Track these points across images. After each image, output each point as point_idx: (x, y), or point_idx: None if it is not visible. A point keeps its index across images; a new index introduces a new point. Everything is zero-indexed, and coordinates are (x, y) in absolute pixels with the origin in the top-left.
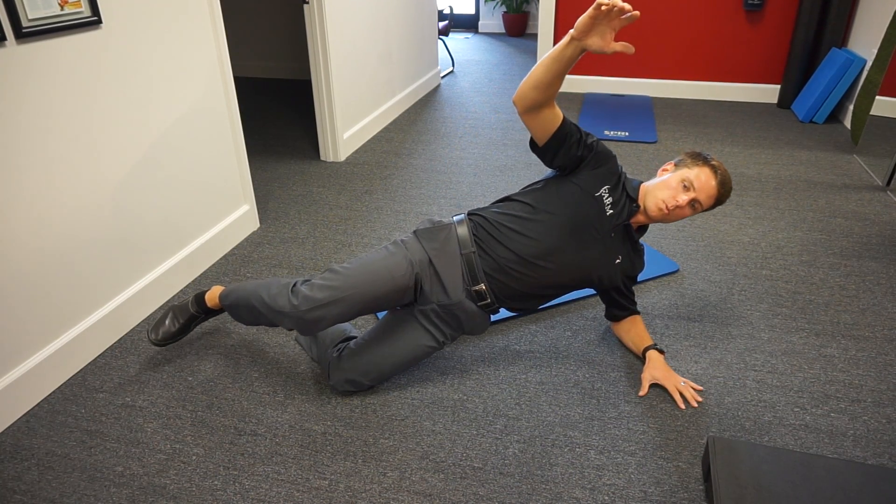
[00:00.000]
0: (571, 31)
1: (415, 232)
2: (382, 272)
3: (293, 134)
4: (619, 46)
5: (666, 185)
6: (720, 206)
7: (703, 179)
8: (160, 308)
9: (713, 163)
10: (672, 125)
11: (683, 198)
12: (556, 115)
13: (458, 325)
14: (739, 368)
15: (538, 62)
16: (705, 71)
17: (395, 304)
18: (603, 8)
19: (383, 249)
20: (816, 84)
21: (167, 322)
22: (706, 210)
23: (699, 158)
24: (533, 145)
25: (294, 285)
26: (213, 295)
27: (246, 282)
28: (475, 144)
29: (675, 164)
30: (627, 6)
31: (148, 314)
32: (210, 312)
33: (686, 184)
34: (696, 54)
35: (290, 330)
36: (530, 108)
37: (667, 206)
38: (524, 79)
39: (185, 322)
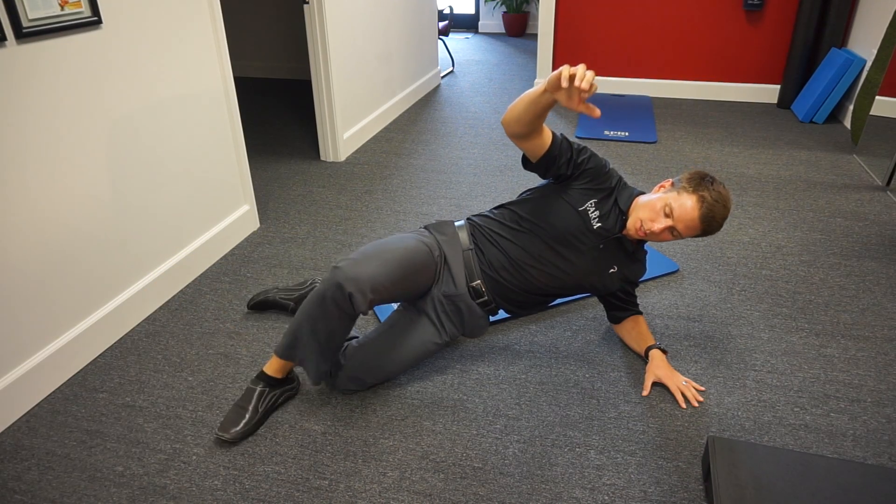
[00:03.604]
0: (544, 82)
1: (425, 227)
2: (414, 244)
3: (293, 134)
4: (583, 108)
5: (650, 207)
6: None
7: (686, 208)
8: (160, 308)
9: (703, 192)
10: (672, 125)
11: (659, 225)
12: (545, 138)
13: (461, 321)
14: (739, 368)
15: (522, 95)
16: (705, 71)
17: (423, 282)
18: (564, 85)
19: (401, 235)
20: (816, 84)
21: (236, 416)
22: (696, 237)
23: (693, 183)
24: (525, 161)
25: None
26: (271, 364)
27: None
28: (475, 144)
29: (672, 184)
30: (585, 87)
31: (148, 314)
32: (275, 383)
33: (667, 210)
34: (696, 54)
35: (349, 312)
36: (517, 137)
37: (642, 229)
38: (510, 107)
39: (254, 404)
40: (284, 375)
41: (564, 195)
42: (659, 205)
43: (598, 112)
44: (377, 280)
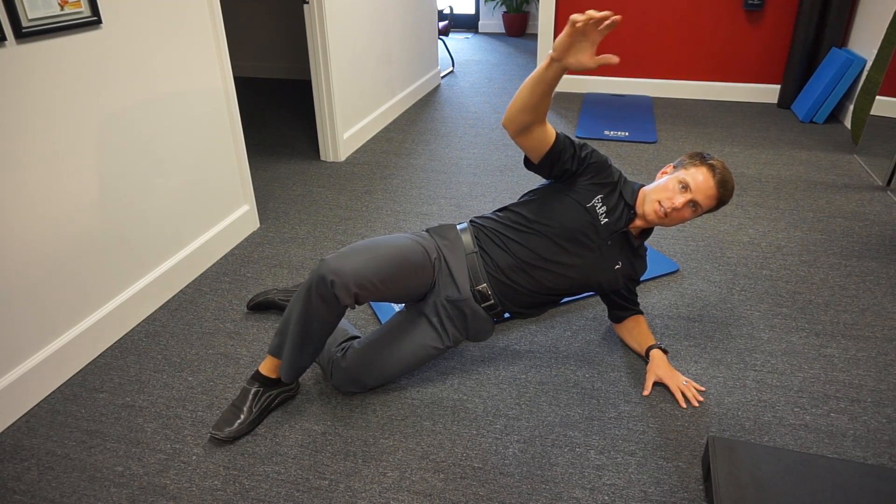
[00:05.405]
0: (550, 51)
1: (427, 230)
2: (408, 244)
3: (293, 134)
4: (601, 59)
5: (663, 188)
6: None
7: (699, 179)
8: (160, 308)
9: (712, 162)
10: (672, 125)
11: (680, 199)
12: (549, 133)
13: (465, 326)
14: (739, 368)
15: (522, 84)
16: (705, 71)
17: (419, 284)
18: (578, 25)
19: (398, 235)
20: (816, 84)
21: (231, 416)
22: (708, 211)
23: (697, 158)
24: (527, 163)
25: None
26: (265, 363)
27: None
28: (475, 144)
29: (675, 167)
30: (604, 14)
31: (148, 314)
32: (269, 383)
33: (683, 185)
34: (696, 54)
35: (333, 305)
36: (521, 130)
37: (664, 210)
38: (510, 103)
39: (249, 405)
40: (279, 375)
41: (570, 193)
42: (671, 184)
43: (615, 59)
44: (362, 274)
